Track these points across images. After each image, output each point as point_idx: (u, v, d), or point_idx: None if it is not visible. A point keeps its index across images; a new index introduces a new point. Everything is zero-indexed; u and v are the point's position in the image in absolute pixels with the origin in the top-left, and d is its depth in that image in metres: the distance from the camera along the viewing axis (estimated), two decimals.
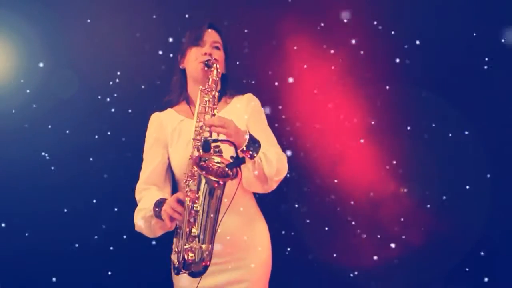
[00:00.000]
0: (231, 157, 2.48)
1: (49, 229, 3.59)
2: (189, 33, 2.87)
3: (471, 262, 3.58)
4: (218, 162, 2.50)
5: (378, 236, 3.64)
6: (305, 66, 3.64)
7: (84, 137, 3.62)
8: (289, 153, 3.63)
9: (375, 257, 3.62)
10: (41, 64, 3.59)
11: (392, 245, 3.61)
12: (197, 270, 2.50)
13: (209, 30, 2.85)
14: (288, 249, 3.64)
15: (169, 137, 2.86)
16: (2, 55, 3.61)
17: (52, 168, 3.61)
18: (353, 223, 3.67)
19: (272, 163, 2.67)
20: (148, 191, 2.82)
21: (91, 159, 3.63)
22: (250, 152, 2.61)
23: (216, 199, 2.46)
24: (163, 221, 2.62)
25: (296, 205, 3.65)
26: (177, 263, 2.56)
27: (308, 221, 3.67)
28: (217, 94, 2.66)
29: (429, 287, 3.60)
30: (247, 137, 2.61)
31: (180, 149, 2.80)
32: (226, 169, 2.47)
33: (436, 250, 3.58)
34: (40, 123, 3.61)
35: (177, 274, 2.59)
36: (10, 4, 3.59)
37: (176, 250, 2.58)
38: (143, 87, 3.62)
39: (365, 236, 3.65)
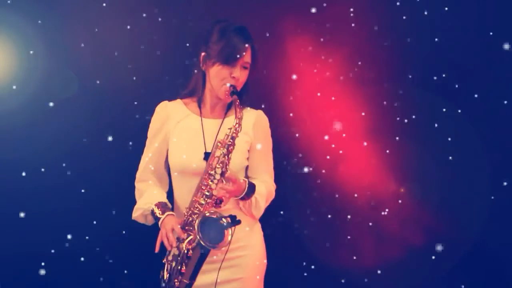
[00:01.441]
0: (230, 216, 2.66)
1: (50, 229, 3.61)
2: (226, 47, 2.77)
3: (471, 262, 3.58)
4: (221, 220, 2.67)
5: (378, 236, 3.64)
6: (305, 65, 3.65)
7: (84, 137, 3.63)
8: (288, 152, 3.65)
9: (375, 257, 3.62)
10: (39, 65, 3.59)
11: (392, 245, 3.61)
12: None
13: (246, 49, 2.79)
14: (287, 249, 3.64)
15: (172, 130, 2.89)
16: (2, 55, 3.60)
17: (63, 167, 3.63)
18: (353, 223, 3.67)
19: (260, 208, 2.88)
20: (146, 185, 2.91)
21: (90, 159, 3.63)
22: (244, 198, 2.81)
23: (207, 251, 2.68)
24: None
25: (295, 205, 3.65)
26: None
27: (307, 221, 3.67)
28: (232, 147, 2.72)
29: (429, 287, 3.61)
30: (245, 188, 2.77)
31: (179, 147, 2.84)
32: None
33: (436, 250, 3.58)
34: (40, 123, 3.61)
35: None
36: (10, 4, 3.58)
37: (167, 270, 2.78)
38: (143, 87, 3.63)
39: (365, 236, 3.65)
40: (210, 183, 2.71)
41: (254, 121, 2.90)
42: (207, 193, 2.71)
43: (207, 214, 2.66)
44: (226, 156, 2.70)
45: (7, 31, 3.60)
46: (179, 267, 2.70)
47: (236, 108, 2.72)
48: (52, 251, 3.63)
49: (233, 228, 2.63)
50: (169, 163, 2.90)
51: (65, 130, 3.62)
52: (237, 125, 2.71)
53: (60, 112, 3.62)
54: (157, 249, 2.77)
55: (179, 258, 2.70)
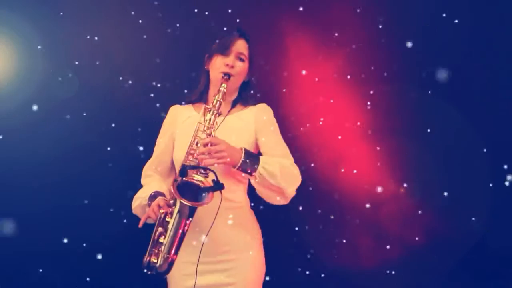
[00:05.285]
0: (212, 180, 2.59)
1: (50, 228, 3.61)
2: (219, 40, 2.90)
3: (470, 262, 3.58)
4: (198, 180, 2.62)
5: (378, 236, 3.64)
6: (305, 66, 3.66)
7: (84, 137, 3.63)
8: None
9: (375, 257, 3.62)
10: (39, 65, 3.60)
11: (392, 245, 3.61)
12: (161, 271, 2.63)
13: (238, 40, 2.89)
14: (287, 249, 3.64)
15: (177, 129, 2.91)
16: (2, 55, 3.61)
17: (53, 167, 3.62)
18: (353, 223, 3.67)
19: (275, 174, 2.73)
20: (151, 179, 2.91)
21: (90, 159, 3.63)
22: (247, 170, 2.71)
23: (186, 218, 2.61)
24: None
25: (295, 205, 3.65)
26: (144, 262, 2.67)
27: (307, 221, 3.68)
28: (218, 114, 2.73)
29: (428, 287, 3.61)
30: (242, 155, 2.69)
31: (182, 142, 2.82)
32: (204, 192, 2.60)
33: (436, 250, 3.59)
34: (40, 123, 3.61)
35: (144, 271, 2.68)
36: (10, 4, 3.59)
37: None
38: (143, 87, 3.64)
39: (365, 236, 3.65)
40: (195, 147, 2.67)
41: (255, 115, 2.88)
42: (192, 163, 2.66)
43: (185, 179, 2.59)
44: (212, 122, 2.69)
45: (7, 31, 3.60)
46: (155, 238, 2.62)
47: (223, 82, 2.78)
48: (52, 250, 3.63)
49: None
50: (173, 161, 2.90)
51: (65, 129, 3.63)
52: (220, 92, 2.74)
53: (60, 112, 3.62)
54: (140, 224, 2.70)
55: (156, 226, 2.63)
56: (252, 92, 2.97)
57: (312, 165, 3.66)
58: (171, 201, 2.64)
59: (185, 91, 3.36)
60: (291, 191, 2.79)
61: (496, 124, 3.58)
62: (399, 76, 3.64)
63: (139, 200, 2.85)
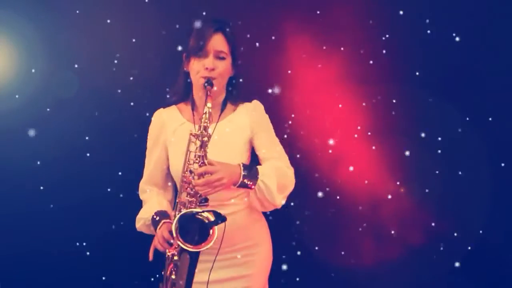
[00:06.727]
0: (213, 213, 2.51)
1: (51, 229, 3.61)
2: (194, 38, 2.69)
3: (470, 262, 3.58)
4: (200, 215, 2.55)
5: (378, 236, 3.64)
6: (305, 66, 3.65)
7: (84, 137, 3.63)
8: (288, 152, 3.65)
9: (375, 257, 3.62)
10: (33, 70, 3.59)
11: (392, 245, 3.61)
12: None
13: (214, 36, 2.68)
14: (287, 248, 3.63)
15: (169, 138, 2.85)
16: (2, 55, 3.61)
17: (53, 167, 3.62)
18: (353, 223, 3.67)
19: (272, 191, 2.68)
20: (150, 194, 2.89)
21: (89, 159, 3.63)
22: (247, 184, 2.65)
23: (193, 259, 2.57)
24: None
25: (295, 205, 3.65)
26: None
27: (307, 221, 3.67)
28: (207, 139, 2.59)
29: (428, 287, 3.61)
30: (240, 171, 2.63)
31: (177, 156, 2.77)
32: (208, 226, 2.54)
33: (436, 250, 3.58)
34: (40, 123, 3.61)
35: None
36: (10, 5, 3.59)
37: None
38: (144, 87, 3.64)
39: (364, 236, 3.65)
40: (191, 180, 2.57)
41: (249, 116, 2.81)
42: (190, 192, 2.59)
43: (184, 212, 2.53)
44: (202, 149, 2.57)
45: (7, 31, 3.61)
46: (168, 274, 2.60)
47: (207, 98, 2.60)
48: (51, 250, 3.63)
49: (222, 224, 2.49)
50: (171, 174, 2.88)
51: (65, 130, 3.63)
52: (206, 114, 2.58)
53: (60, 112, 3.62)
54: (150, 257, 2.71)
55: (166, 264, 2.62)
56: (240, 83, 2.83)
57: (312, 164, 3.65)
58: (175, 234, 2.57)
59: None
60: (283, 199, 2.75)
61: (496, 123, 3.57)
62: (399, 76, 3.64)
63: (142, 221, 2.82)
